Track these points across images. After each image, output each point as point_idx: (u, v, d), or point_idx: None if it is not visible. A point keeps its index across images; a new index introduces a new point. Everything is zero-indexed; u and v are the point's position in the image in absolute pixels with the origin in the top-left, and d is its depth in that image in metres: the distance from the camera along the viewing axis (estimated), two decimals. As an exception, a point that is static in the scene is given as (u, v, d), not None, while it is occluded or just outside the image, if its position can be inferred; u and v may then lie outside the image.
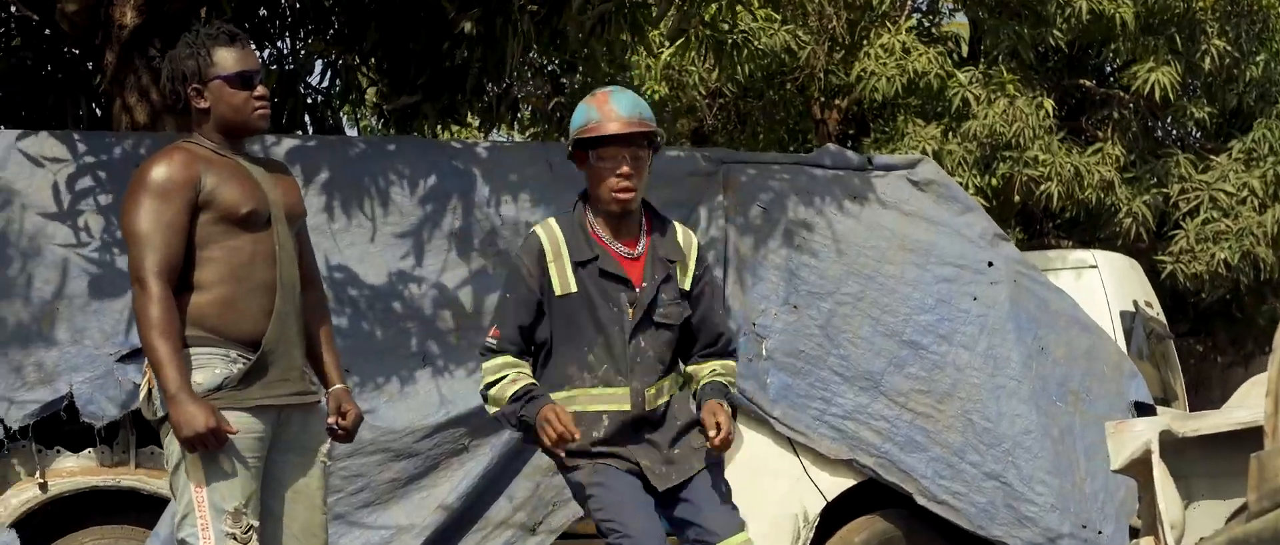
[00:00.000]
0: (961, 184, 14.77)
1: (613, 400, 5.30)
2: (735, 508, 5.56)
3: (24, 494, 6.93)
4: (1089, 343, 8.05)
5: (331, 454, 5.17)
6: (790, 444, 7.61)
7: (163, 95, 5.11)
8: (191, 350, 4.77)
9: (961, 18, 17.92)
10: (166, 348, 4.62)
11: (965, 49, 16.49)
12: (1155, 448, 4.47)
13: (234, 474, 4.74)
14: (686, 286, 5.43)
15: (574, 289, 5.30)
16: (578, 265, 5.31)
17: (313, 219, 7.26)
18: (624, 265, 5.33)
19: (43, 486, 6.94)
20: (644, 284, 5.34)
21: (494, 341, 5.35)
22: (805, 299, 7.70)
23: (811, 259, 7.75)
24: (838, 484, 7.64)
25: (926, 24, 17.56)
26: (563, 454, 5.18)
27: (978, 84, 15.51)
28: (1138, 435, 4.66)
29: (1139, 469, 4.63)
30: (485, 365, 5.38)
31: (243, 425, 4.75)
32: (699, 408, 5.38)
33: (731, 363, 5.58)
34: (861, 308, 7.72)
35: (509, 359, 5.34)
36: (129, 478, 6.97)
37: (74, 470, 6.98)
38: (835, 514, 7.69)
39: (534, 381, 5.31)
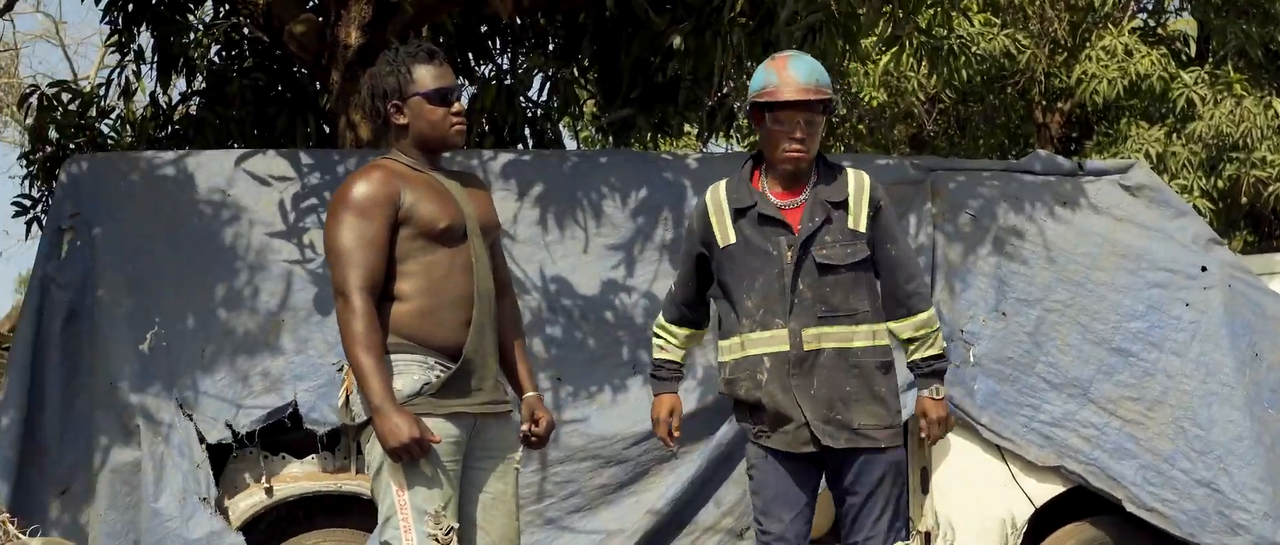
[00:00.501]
0: (1186, 186, 14.56)
1: (772, 343, 5.40)
2: (894, 521, 5.55)
3: (251, 498, 7.15)
4: (1304, 349, 7.85)
5: (524, 461, 5.27)
6: (998, 450, 7.55)
7: (365, 112, 5.22)
8: (392, 356, 4.86)
9: (1188, 16, 17.59)
10: (370, 361, 4.72)
11: (1193, 48, 16.19)
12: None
13: (434, 478, 4.83)
14: (859, 226, 5.46)
15: (733, 239, 5.46)
16: (737, 213, 5.46)
17: (527, 230, 7.46)
18: (784, 211, 5.43)
19: (268, 491, 7.14)
20: (800, 226, 5.40)
21: (668, 296, 5.85)
22: (1014, 306, 7.65)
23: (1021, 266, 7.69)
24: (1046, 491, 7.57)
25: (1151, 24, 17.28)
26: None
27: (1203, 84, 15.25)
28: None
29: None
30: (660, 318, 5.87)
31: (441, 432, 4.84)
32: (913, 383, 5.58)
33: (923, 318, 5.53)
34: (1071, 314, 7.64)
35: (665, 322, 5.81)
36: (350, 483, 7.15)
37: (298, 476, 7.18)
38: (1044, 521, 7.62)
39: (673, 359, 5.80)
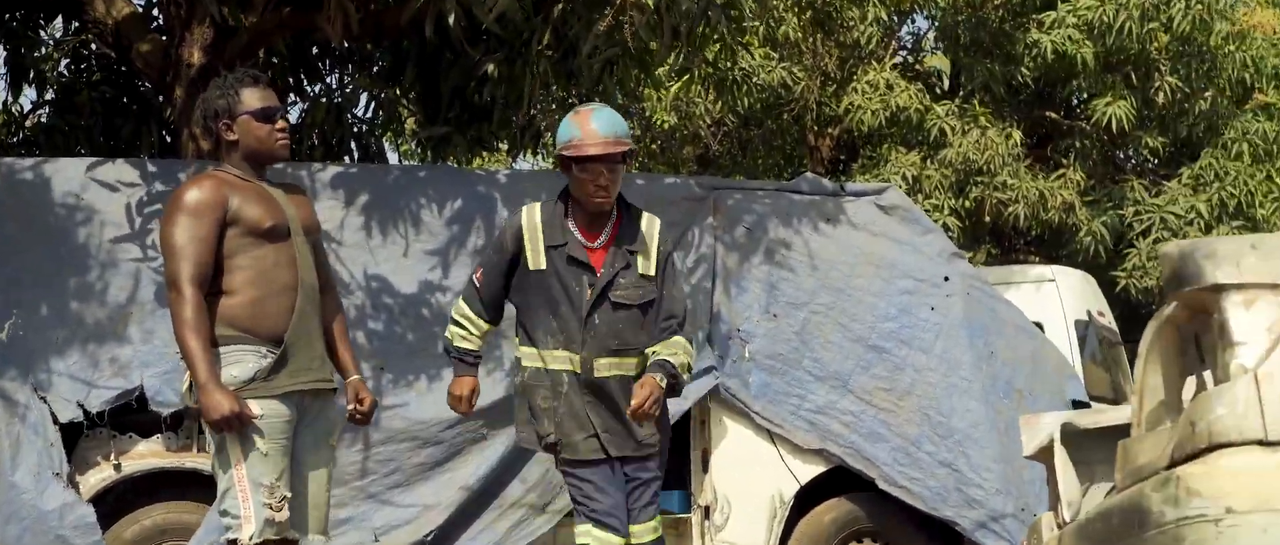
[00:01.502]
0: (938, 205, 15.01)
1: (569, 363, 5.51)
2: (654, 502, 5.65)
3: (101, 474, 7.18)
4: (1033, 347, 8.22)
5: (341, 439, 5.37)
6: (769, 435, 7.80)
7: (203, 132, 5.33)
8: (226, 348, 4.93)
9: (942, 54, 18.10)
10: (197, 344, 4.80)
11: (946, 83, 16.67)
12: (1057, 437, 4.72)
13: (268, 453, 4.90)
14: (650, 271, 5.59)
15: (544, 266, 5.53)
16: (550, 247, 5.53)
17: (353, 235, 7.58)
18: (589, 253, 5.54)
19: (117, 467, 7.18)
20: (603, 270, 5.52)
21: (476, 283, 5.72)
22: (784, 308, 7.90)
23: (789, 273, 7.95)
24: (810, 470, 7.83)
25: (910, 60, 17.75)
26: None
27: (954, 116, 15.69)
28: (1044, 427, 4.91)
29: (1046, 456, 4.88)
30: (458, 304, 5.78)
31: (272, 411, 4.92)
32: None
33: (678, 339, 5.61)
34: (832, 316, 7.92)
35: (472, 314, 5.70)
36: (192, 460, 7.19)
37: (144, 453, 7.21)
38: (808, 497, 7.88)
39: (474, 350, 5.74)
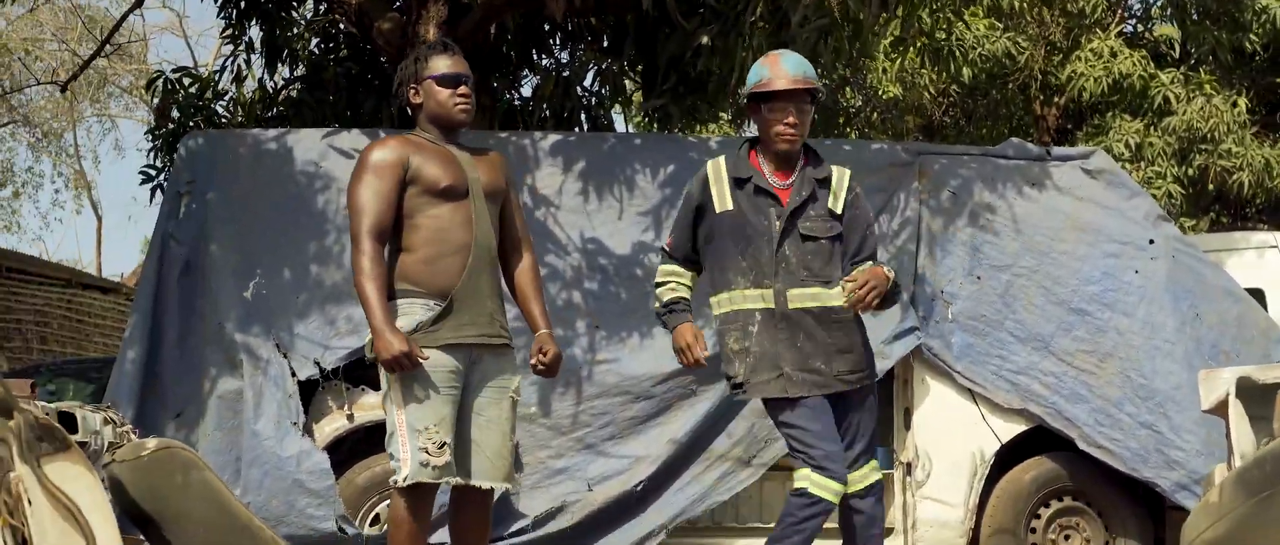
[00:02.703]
0: (1160, 173, 14.67)
1: (761, 300, 5.44)
2: (873, 445, 5.59)
3: (335, 424, 7.46)
4: (1239, 311, 7.98)
5: (520, 393, 5.30)
6: (971, 394, 7.76)
7: (397, 96, 5.45)
8: (399, 301, 5.04)
9: (1172, 23, 17.63)
10: (372, 291, 4.91)
11: (1178, 51, 16.20)
12: (1232, 391, 4.63)
13: (427, 399, 4.97)
14: (836, 208, 5.52)
15: (731, 206, 5.49)
16: (735, 183, 5.51)
17: (571, 200, 7.73)
18: (775, 188, 5.50)
19: (350, 418, 7.45)
20: (789, 199, 5.46)
21: (667, 247, 5.75)
22: (987, 271, 7.85)
23: (993, 237, 7.89)
24: (1011, 429, 7.77)
25: (1139, 30, 17.32)
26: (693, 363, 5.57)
27: (1178, 84, 15.31)
28: (1223, 381, 4.82)
29: (1223, 410, 4.79)
30: (660, 267, 5.77)
31: (435, 360, 4.98)
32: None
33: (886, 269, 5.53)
34: (1036, 279, 7.83)
35: (675, 268, 5.69)
36: (418, 411, 7.41)
37: (374, 405, 7.40)
38: (1008, 455, 7.83)
39: (684, 296, 5.66)
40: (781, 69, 5.52)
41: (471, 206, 5.15)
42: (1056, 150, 8.30)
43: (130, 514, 3.98)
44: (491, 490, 5.18)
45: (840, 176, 5.60)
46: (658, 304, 5.74)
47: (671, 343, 5.66)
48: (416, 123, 5.32)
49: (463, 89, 5.23)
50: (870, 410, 5.60)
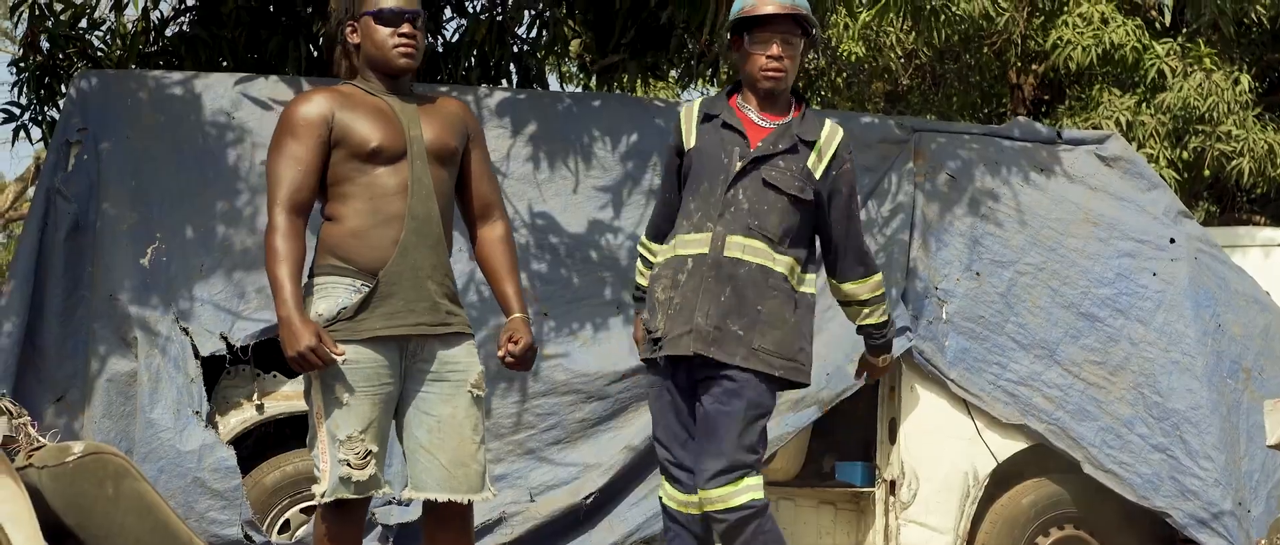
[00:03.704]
0: (1152, 156, 14.76)
1: (698, 245, 5.39)
2: (728, 450, 5.32)
3: (242, 414, 7.32)
4: (1266, 322, 8.09)
5: (482, 385, 5.11)
6: (965, 405, 7.79)
7: (334, 36, 5.25)
8: (320, 278, 4.92)
9: (1166, -14, 17.73)
10: (283, 272, 4.77)
11: (1169, 17, 16.33)
12: (1310, 427, 4.65)
13: (351, 402, 4.83)
14: (816, 172, 5.44)
15: (695, 142, 5.50)
16: (704, 119, 5.51)
17: (519, 168, 7.64)
18: (748, 126, 5.45)
19: (259, 408, 7.33)
20: (760, 145, 5.41)
21: (652, 216, 5.82)
22: (988, 267, 7.86)
23: (996, 228, 7.91)
24: (1009, 446, 7.81)
25: (1130, -9, 17.43)
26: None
27: (1175, 56, 15.40)
28: (1293, 414, 4.83)
29: (1291, 447, 4.80)
30: (642, 239, 5.84)
31: (360, 356, 4.85)
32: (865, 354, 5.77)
33: (878, 278, 5.64)
34: (1042, 278, 7.87)
35: (649, 243, 5.75)
36: (340, 403, 7.32)
37: (289, 394, 7.32)
38: (1005, 475, 7.86)
39: (643, 284, 5.70)
40: None
41: (410, 169, 4.97)
42: (1068, 133, 8.36)
43: (50, 527, 3.86)
44: (469, 504, 5.03)
45: (830, 136, 5.53)
46: (633, 282, 5.86)
47: (633, 330, 5.75)
48: (355, 70, 5.16)
49: (406, 28, 5.03)
50: (747, 406, 5.35)
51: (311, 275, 4.97)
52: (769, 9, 5.42)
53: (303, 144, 4.91)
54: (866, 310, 5.65)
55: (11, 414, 4.42)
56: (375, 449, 4.89)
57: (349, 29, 5.10)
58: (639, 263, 5.81)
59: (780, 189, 5.40)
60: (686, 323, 5.33)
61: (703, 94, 18.54)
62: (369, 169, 4.94)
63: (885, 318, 5.69)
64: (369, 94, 5.04)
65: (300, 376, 6.87)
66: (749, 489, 5.29)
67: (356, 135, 4.93)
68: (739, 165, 5.38)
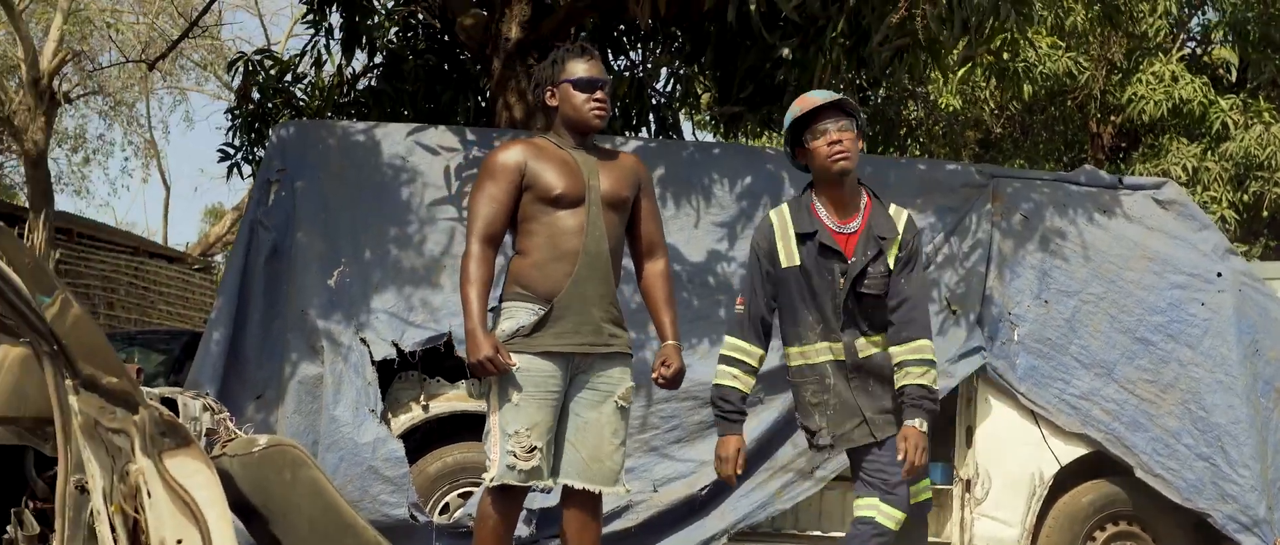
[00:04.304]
0: (1215, 198, 14.62)
1: (830, 352, 5.40)
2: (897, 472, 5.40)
3: (411, 413, 7.50)
4: (1302, 348, 8.01)
5: (628, 398, 5.25)
6: (1032, 416, 7.77)
7: (533, 97, 5.44)
8: (507, 303, 5.10)
9: (1231, 47, 17.53)
10: (472, 294, 4.95)
11: (1234, 74, 16.16)
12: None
13: (522, 403, 4.99)
14: (891, 262, 5.39)
15: (797, 262, 5.39)
16: (800, 237, 5.39)
17: (649, 206, 7.74)
18: (839, 240, 5.37)
19: (425, 408, 7.49)
20: (854, 258, 5.36)
21: (741, 310, 5.50)
22: (1055, 295, 7.85)
23: (1062, 262, 7.89)
24: (1071, 452, 7.77)
25: (1198, 52, 17.25)
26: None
27: (1237, 110, 15.25)
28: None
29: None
30: (725, 341, 5.54)
31: (532, 366, 5.01)
32: (899, 412, 5.38)
33: (924, 342, 5.36)
34: (1102, 307, 7.84)
35: (743, 345, 5.47)
36: (493, 405, 7.46)
37: (449, 397, 7.48)
38: (1067, 477, 7.83)
39: (743, 392, 5.48)
40: (808, 98, 5.47)
41: (587, 214, 5.12)
42: (1128, 179, 8.29)
43: (237, 507, 4.05)
44: (598, 494, 5.16)
45: (899, 223, 5.46)
46: (714, 388, 5.52)
47: (715, 448, 5.51)
48: (551, 125, 5.31)
49: (598, 94, 5.20)
50: (892, 446, 5.42)
51: (501, 300, 5.15)
52: (816, 103, 5.40)
53: (499, 186, 5.09)
54: (922, 370, 5.34)
55: (214, 410, 4.59)
56: (540, 445, 5.02)
57: (548, 93, 5.24)
58: (728, 367, 5.49)
59: (877, 295, 5.40)
60: (854, 417, 5.38)
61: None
62: (552, 211, 5.09)
63: (936, 383, 5.46)
64: (558, 147, 5.20)
65: (471, 382, 7.13)
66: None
67: (544, 181, 5.09)
68: (841, 282, 5.36)
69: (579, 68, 5.20)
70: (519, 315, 5.08)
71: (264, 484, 4.16)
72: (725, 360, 5.51)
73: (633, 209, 5.34)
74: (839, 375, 5.42)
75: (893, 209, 5.51)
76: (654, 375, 5.30)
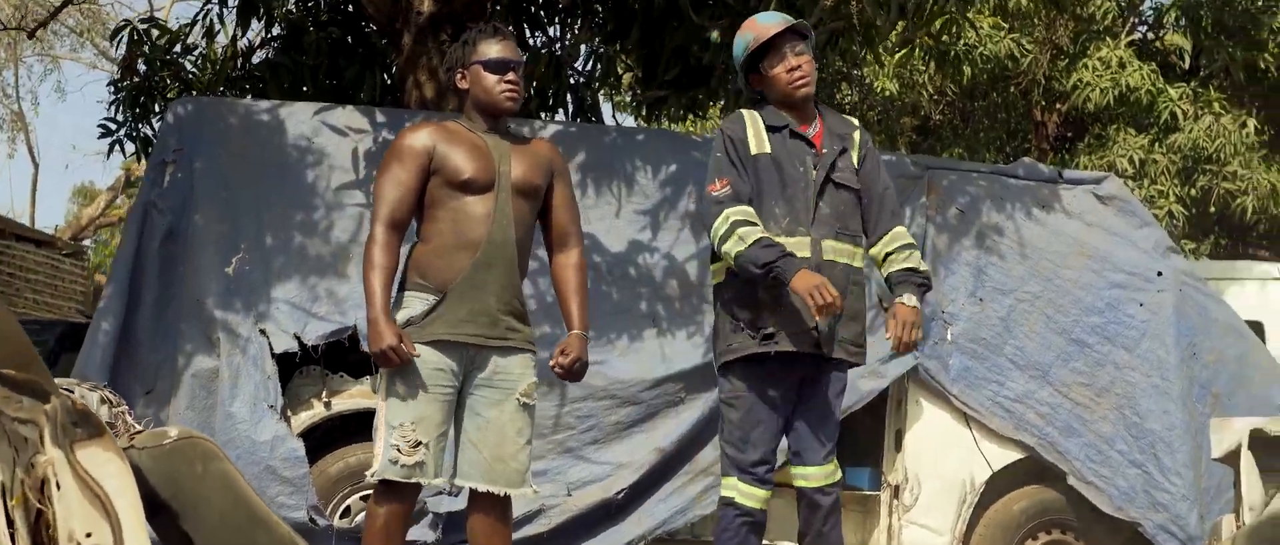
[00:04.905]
0: (1162, 192, 15.04)
1: (796, 248, 5.53)
2: (832, 442, 5.77)
3: (312, 410, 7.61)
4: (1242, 350, 8.35)
5: (531, 395, 5.39)
6: (965, 418, 8.05)
7: (444, 79, 5.67)
8: (406, 293, 5.29)
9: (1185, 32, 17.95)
10: (375, 281, 5.15)
11: (1187, 61, 16.57)
12: (1245, 442, 5.01)
13: (408, 396, 5.17)
14: (854, 162, 5.75)
15: (768, 150, 5.64)
16: (770, 129, 5.66)
17: (568, 194, 7.96)
18: (806, 132, 5.69)
19: (327, 405, 7.60)
20: (824, 149, 5.67)
21: (726, 190, 5.60)
22: (990, 294, 8.13)
23: (999, 259, 8.18)
24: (1004, 457, 8.06)
25: (1149, 37, 17.66)
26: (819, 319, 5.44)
27: (1187, 100, 15.66)
28: (1234, 431, 5.19)
29: (1234, 460, 5.16)
30: (729, 209, 5.54)
31: (425, 356, 5.18)
32: (887, 304, 5.75)
33: (901, 229, 5.75)
34: (1038, 306, 8.14)
35: (748, 209, 5.56)
36: (400, 402, 7.61)
37: (353, 393, 7.59)
38: (999, 483, 8.11)
39: (773, 239, 5.51)
40: (762, 24, 5.75)
41: (495, 200, 5.31)
42: (1069, 173, 8.60)
43: (147, 499, 4.25)
44: (506, 497, 5.35)
45: (858, 131, 5.85)
46: (741, 245, 5.49)
47: (797, 287, 5.41)
48: (462, 108, 5.52)
49: (510, 76, 5.41)
50: (838, 399, 5.80)
51: (401, 288, 5.34)
52: (774, 29, 5.70)
53: (407, 169, 5.28)
54: (906, 253, 5.69)
55: (112, 403, 4.79)
56: (425, 441, 5.19)
57: (458, 75, 5.46)
58: (747, 227, 5.52)
59: (850, 186, 5.71)
60: (802, 324, 5.56)
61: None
62: (460, 197, 5.29)
63: (922, 265, 5.76)
64: (469, 131, 5.41)
65: (371, 376, 7.24)
66: (838, 468, 5.78)
67: (452, 165, 5.29)
68: (815, 172, 5.63)
69: (491, 48, 5.40)
70: (413, 305, 5.27)
71: (174, 477, 4.37)
72: (739, 223, 5.52)
73: (546, 197, 5.53)
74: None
75: (850, 121, 5.87)
76: (552, 363, 5.44)
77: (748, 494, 5.63)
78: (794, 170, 5.63)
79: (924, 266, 5.77)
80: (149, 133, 11.26)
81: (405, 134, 5.38)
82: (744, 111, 5.78)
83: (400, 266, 5.37)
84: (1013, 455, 8.09)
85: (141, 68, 11.37)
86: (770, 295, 5.57)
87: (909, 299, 5.63)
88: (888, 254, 5.75)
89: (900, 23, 11.11)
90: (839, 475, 5.84)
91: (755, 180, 5.65)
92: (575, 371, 5.48)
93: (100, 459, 3.96)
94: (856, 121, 5.93)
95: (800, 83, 5.67)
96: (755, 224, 5.54)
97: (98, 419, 3.99)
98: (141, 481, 4.33)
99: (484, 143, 5.37)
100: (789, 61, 5.66)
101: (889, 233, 5.77)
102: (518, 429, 5.36)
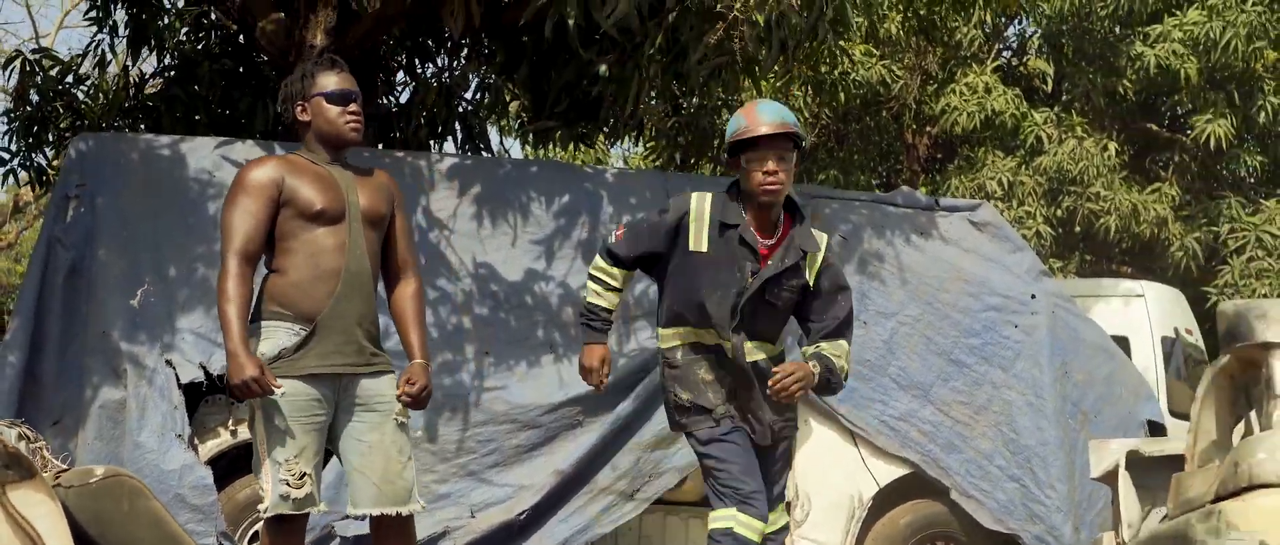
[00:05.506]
0: (1030, 213, 15.39)
1: (721, 344, 5.67)
2: (781, 492, 5.95)
3: (218, 439, 7.65)
4: (1110, 369, 8.63)
5: (406, 414, 5.44)
6: (852, 437, 8.24)
7: (282, 112, 5.68)
8: (264, 323, 5.22)
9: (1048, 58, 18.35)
10: (232, 312, 5.06)
11: (1050, 85, 16.90)
12: (1122, 463, 5.22)
13: (287, 431, 5.15)
14: (809, 278, 5.76)
15: (706, 249, 5.66)
16: (722, 226, 5.66)
17: (464, 225, 8.04)
18: (760, 242, 5.70)
19: (233, 433, 7.62)
20: (770, 264, 5.67)
21: (616, 244, 5.86)
22: (873, 317, 8.33)
23: (880, 284, 8.39)
24: (890, 472, 8.26)
25: (1013, 63, 18.03)
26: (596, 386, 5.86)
27: (1051, 124, 16.03)
28: (1112, 452, 5.41)
29: (1111, 479, 5.37)
30: (597, 261, 5.89)
31: (296, 390, 5.16)
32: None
33: (843, 343, 5.81)
34: (919, 329, 8.36)
35: (611, 269, 5.84)
36: (304, 430, 7.65)
37: None
38: (886, 498, 8.32)
39: (607, 308, 5.84)
40: (759, 117, 5.69)
41: (347, 231, 5.31)
42: (945, 201, 8.85)
43: (75, 538, 4.30)
44: (410, 517, 5.39)
45: (820, 249, 5.83)
46: (584, 297, 5.91)
47: (579, 358, 5.91)
48: (303, 140, 5.48)
49: (352, 107, 5.41)
50: (785, 456, 5.97)
51: (255, 319, 5.28)
52: (764, 130, 5.64)
53: (256, 201, 5.22)
54: (839, 355, 5.77)
55: (30, 439, 4.84)
56: (308, 471, 5.22)
57: (299, 108, 5.42)
58: (595, 285, 5.88)
59: (777, 307, 5.75)
60: (736, 407, 5.70)
61: (626, 152, 18.90)
62: (312, 228, 5.27)
63: (846, 378, 5.92)
64: (313, 163, 5.38)
65: (246, 410, 7.35)
66: (784, 514, 5.94)
67: (303, 197, 5.26)
68: (751, 281, 5.65)
69: (330, 80, 5.40)
70: (278, 336, 5.24)
71: (102, 515, 4.43)
72: (592, 278, 5.87)
73: (387, 227, 5.54)
74: (727, 364, 5.71)
75: (816, 232, 5.89)
76: (398, 392, 5.41)
77: (747, 525, 5.60)
78: (729, 274, 5.67)
79: (846, 373, 5.85)
80: (42, 161, 11.16)
81: (251, 167, 5.34)
82: (698, 199, 5.77)
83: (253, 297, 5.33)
84: (898, 471, 8.28)
85: (34, 98, 11.24)
86: (705, 373, 5.74)
87: (814, 365, 5.71)
88: (825, 349, 5.80)
89: (780, 60, 11.30)
90: (784, 521, 5.94)
91: (689, 276, 5.72)
92: (422, 401, 5.49)
93: (32, 500, 4.03)
94: (826, 237, 5.92)
95: (769, 189, 5.65)
96: (606, 285, 5.85)
97: (29, 461, 4.06)
98: (70, 520, 4.39)
99: (329, 174, 5.38)
100: (768, 165, 5.63)
101: (838, 341, 5.84)
102: (399, 448, 5.39)
